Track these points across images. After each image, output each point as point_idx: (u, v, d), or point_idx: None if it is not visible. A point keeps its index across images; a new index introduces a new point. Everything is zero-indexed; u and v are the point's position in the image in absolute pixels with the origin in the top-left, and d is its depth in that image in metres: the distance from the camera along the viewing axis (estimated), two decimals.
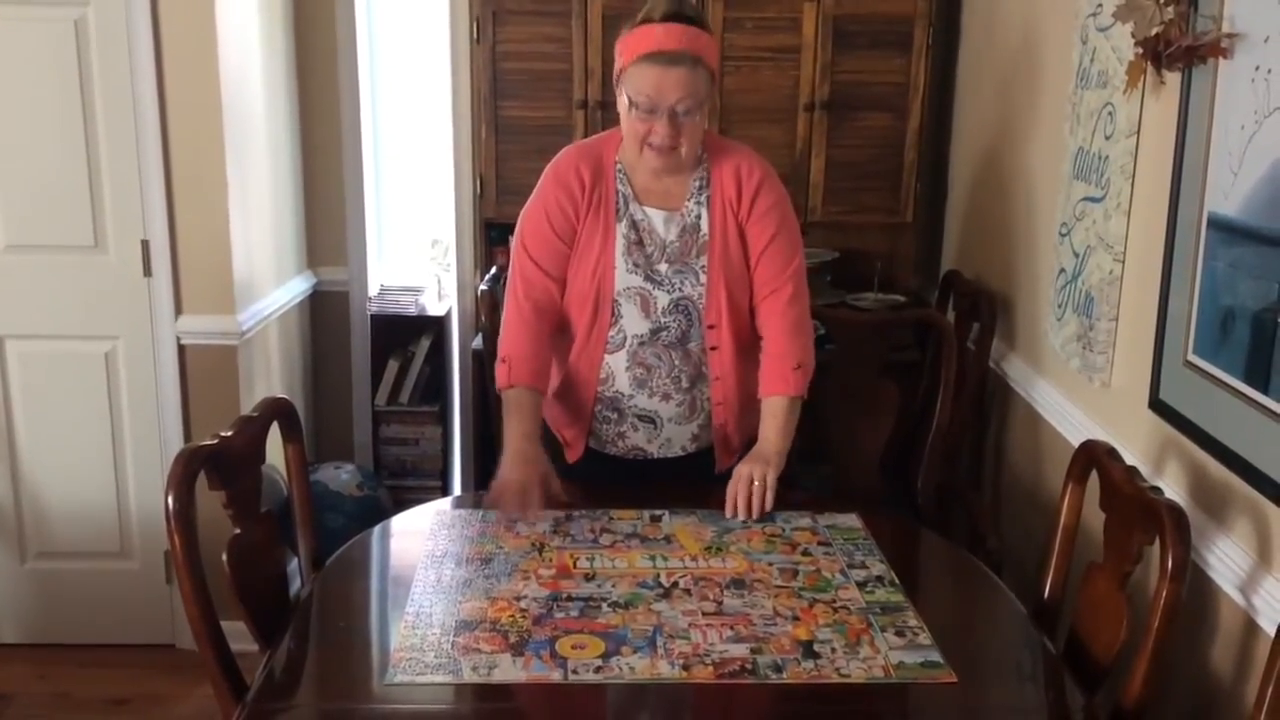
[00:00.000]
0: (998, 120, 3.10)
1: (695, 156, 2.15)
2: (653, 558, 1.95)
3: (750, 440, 2.21)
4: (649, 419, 2.25)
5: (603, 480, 2.27)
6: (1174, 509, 1.60)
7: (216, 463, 1.75)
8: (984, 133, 3.25)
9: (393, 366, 3.77)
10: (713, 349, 2.20)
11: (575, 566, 1.91)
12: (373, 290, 3.80)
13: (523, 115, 3.35)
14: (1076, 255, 2.38)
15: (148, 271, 2.93)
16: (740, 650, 1.67)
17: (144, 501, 3.04)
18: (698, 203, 2.17)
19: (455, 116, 3.59)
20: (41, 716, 2.88)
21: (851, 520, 2.11)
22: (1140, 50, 2.00)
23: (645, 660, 1.64)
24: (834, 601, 1.82)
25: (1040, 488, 2.60)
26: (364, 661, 1.68)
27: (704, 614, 1.77)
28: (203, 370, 3.00)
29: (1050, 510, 2.02)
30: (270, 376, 3.30)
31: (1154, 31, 1.93)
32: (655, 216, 2.17)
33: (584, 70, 3.31)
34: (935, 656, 1.66)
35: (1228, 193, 1.76)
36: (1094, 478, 1.86)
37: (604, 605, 1.79)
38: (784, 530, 2.05)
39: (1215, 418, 1.80)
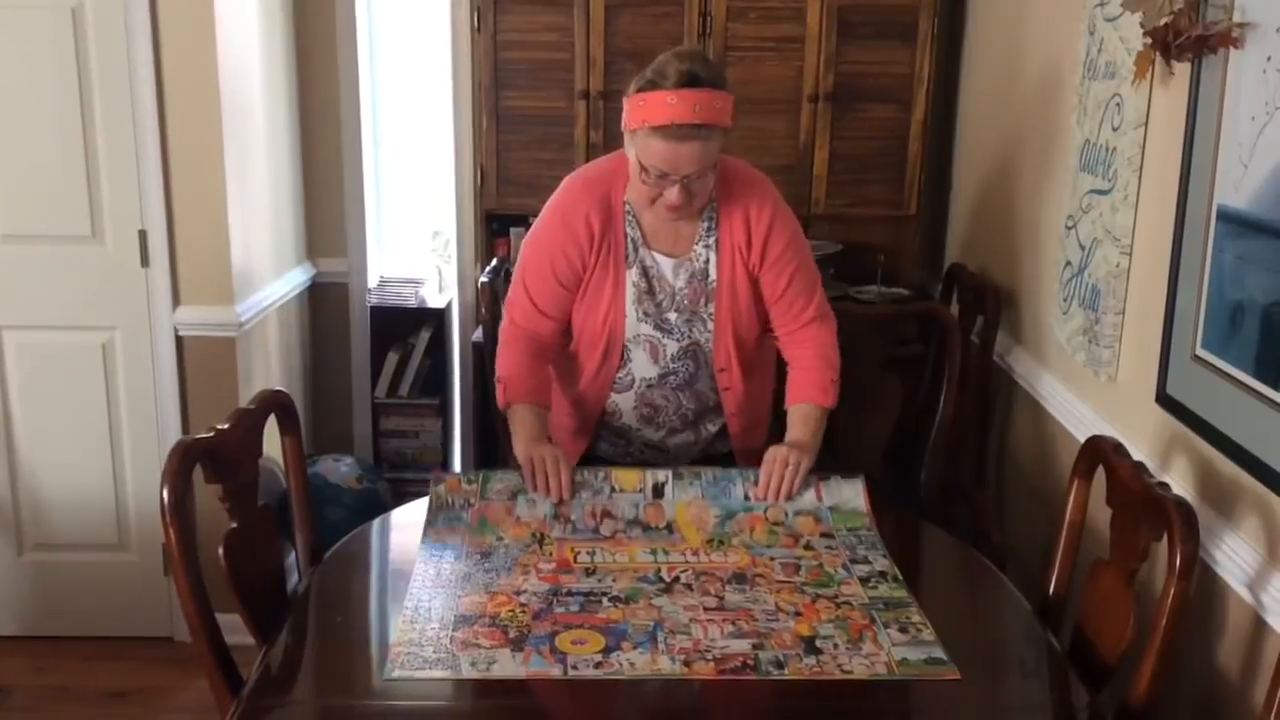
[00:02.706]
0: (1003, 112, 3.08)
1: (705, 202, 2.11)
2: (654, 552, 1.92)
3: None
4: (656, 447, 2.27)
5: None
6: (1182, 505, 1.58)
7: (213, 456, 1.73)
8: (989, 124, 3.22)
9: (392, 359, 3.75)
10: (725, 389, 2.22)
11: (575, 561, 1.89)
12: (372, 282, 3.78)
13: (524, 105, 3.32)
14: (1083, 248, 2.36)
15: (145, 262, 2.91)
16: (742, 645, 1.64)
17: (142, 493, 3.03)
18: (706, 246, 2.14)
19: (456, 107, 3.57)
20: (40, 709, 2.87)
21: (857, 496, 2.06)
22: (1149, 40, 1.97)
23: (645, 656, 1.61)
24: (836, 597, 1.80)
25: (1045, 483, 2.58)
26: (362, 656, 1.67)
27: (705, 609, 1.74)
28: (201, 362, 2.98)
29: (1055, 505, 2.00)
30: (269, 368, 3.28)
31: (1163, 21, 1.91)
32: (664, 264, 2.15)
33: (586, 60, 3.28)
34: (939, 653, 1.64)
35: (1238, 185, 1.73)
36: (1100, 473, 1.84)
37: (604, 600, 1.76)
38: (786, 517, 2.01)
39: (1224, 413, 1.77)
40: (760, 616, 1.72)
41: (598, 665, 1.59)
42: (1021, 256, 2.85)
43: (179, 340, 2.96)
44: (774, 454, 2.04)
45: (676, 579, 1.84)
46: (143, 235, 2.89)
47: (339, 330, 3.74)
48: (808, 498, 2.03)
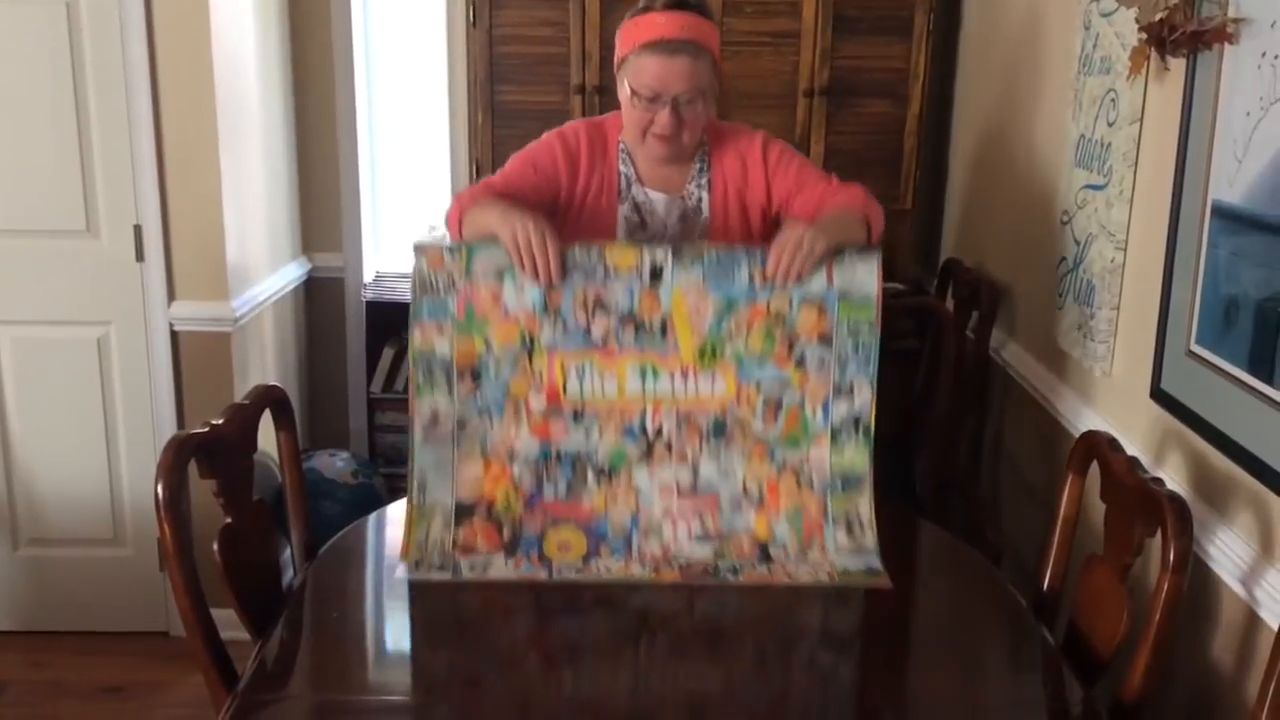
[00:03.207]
0: (999, 107, 3.08)
1: (697, 143, 2.13)
2: (643, 373, 1.88)
3: None
4: None
5: None
6: (1176, 500, 1.58)
7: (207, 451, 1.72)
8: (985, 119, 3.22)
9: (388, 354, 3.75)
10: None
11: (565, 393, 1.87)
12: (368, 277, 3.78)
13: (520, 100, 3.32)
14: (1078, 243, 2.36)
15: (140, 257, 2.90)
16: (705, 553, 1.83)
17: (137, 488, 3.03)
18: (698, 186, 2.16)
19: (451, 101, 3.57)
20: (35, 704, 2.87)
21: (870, 278, 1.91)
22: (1144, 36, 1.97)
23: (620, 563, 1.81)
24: (800, 469, 1.87)
25: (1040, 478, 2.59)
26: (357, 651, 1.67)
27: (679, 492, 1.85)
28: (196, 357, 2.97)
29: (1050, 500, 2.00)
30: (264, 363, 3.28)
31: (1158, 17, 1.91)
32: (657, 200, 2.16)
33: (581, 54, 3.28)
34: (875, 563, 1.82)
35: (1232, 180, 1.74)
36: (1095, 468, 1.84)
37: (589, 474, 1.85)
38: (791, 307, 1.89)
39: (1218, 408, 1.78)
40: (726, 508, 1.85)
41: (578, 572, 1.80)
42: (1017, 251, 2.85)
43: (174, 335, 2.95)
44: (788, 233, 1.90)
45: (660, 433, 1.86)
46: (137, 230, 2.89)
47: (334, 325, 3.74)
48: (817, 279, 1.90)
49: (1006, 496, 2.87)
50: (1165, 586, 1.56)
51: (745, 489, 1.87)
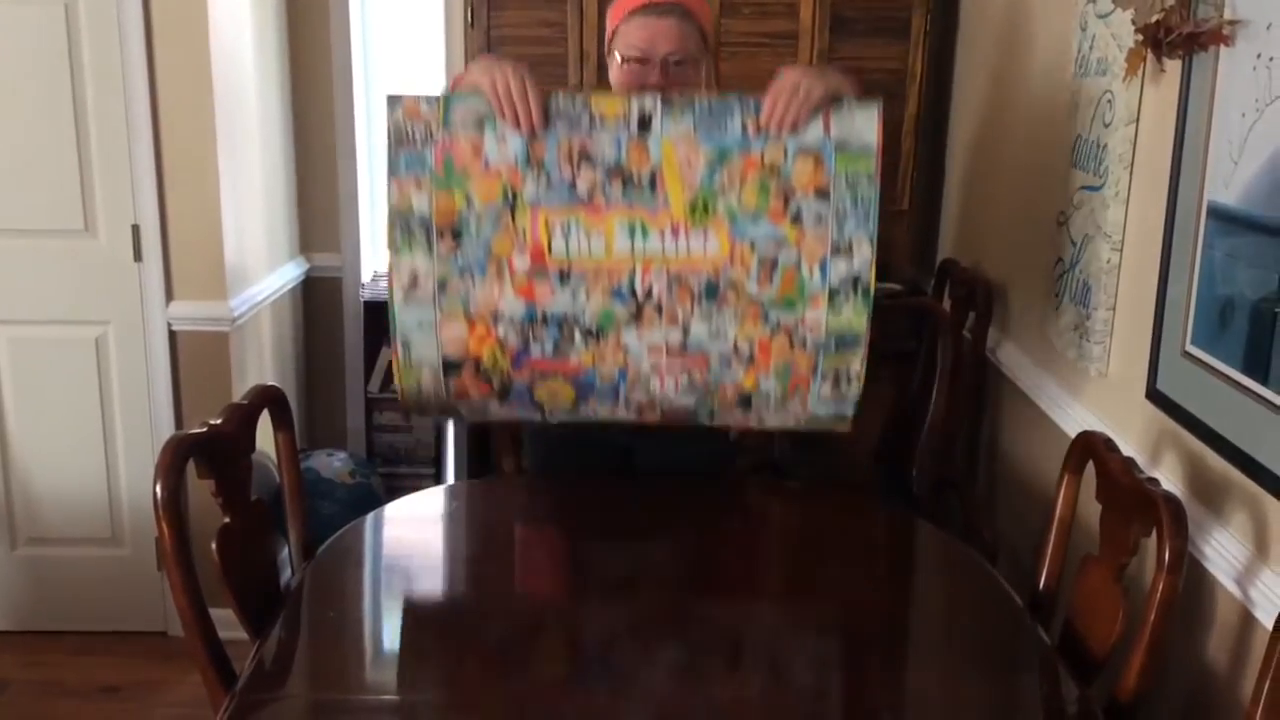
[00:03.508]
0: (995, 107, 3.08)
1: None
2: (631, 230, 1.80)
3: None
4: None
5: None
6: (1171, 501, 1.58)
7: (206, 451, 1.73)
8: (981, 120, 3.23)
9: (386, 353, 3.75)
10: None
11: (550, 252, 1.80)
12: (366, 276, 3.79)
13: None
14: (1074, 244, 2.37)
15: (138, 256, 2.91)
16: (688, 402, 1.87)
17: (135, 488, 3.03)
18: None
19: None
20: (33, 704, 2.87)
21: (869, 126, 1.84)
22: (1140, 37, 1.98)
23: (607, 409, 1.88)
24: (795, 329, 1.82)
25: (1036, 478, 2.59)
26: (355, 651, 1.67)
27: (668, 351, 1.81)
28: (194, 356, 2.98)
29: (1046, 500, 2.01)
30: (262, 363, 3.28)
31: (1154, 18, 1.91)
32: None
33: (579, 55, 3.28)
34: (846, 410, 1.88)
35: (1228, 181, 1.74)
36: (1090, 468, 1.85)
37: (576, 334, 1.81)
38: (786, 158, 1.80)
39: (1213, 409, 1.78)
40: (715, 364, 1.83)
41: (569, 413, 1.88)
42: (1013, 252, 2.85)
43: (172, 335, 2.96)
44: (784, 78, 1.83)
45: (650, 293, 1.81)
46: (135, 230, 2.89)
47: (332, 325, 3.74)
48: (814, 129, 1.81)
49: (1003, 496, 2.88)
50: (1160, 586, 1.57)
51: (736, 348, 1.83)
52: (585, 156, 1.79)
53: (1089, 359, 2.26)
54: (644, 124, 1.79)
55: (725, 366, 1.83)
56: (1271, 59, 1.63)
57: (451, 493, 2.40)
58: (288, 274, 3.49)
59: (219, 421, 1.80)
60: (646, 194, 1.79)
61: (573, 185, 1.79)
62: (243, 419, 1.87)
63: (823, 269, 1.81)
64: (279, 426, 2.01)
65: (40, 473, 3.03)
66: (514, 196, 1.79)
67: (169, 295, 2.93)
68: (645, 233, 1.80)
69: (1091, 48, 2.30)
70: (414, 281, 1.81)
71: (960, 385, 2.89)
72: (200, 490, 1.78)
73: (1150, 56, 1.97)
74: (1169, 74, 1.97)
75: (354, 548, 2.02)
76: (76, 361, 2.97)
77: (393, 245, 1.82)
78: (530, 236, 1.80)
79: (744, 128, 1.80)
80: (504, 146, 1.79)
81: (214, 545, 1.71)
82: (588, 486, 2.18)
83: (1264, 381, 1.63)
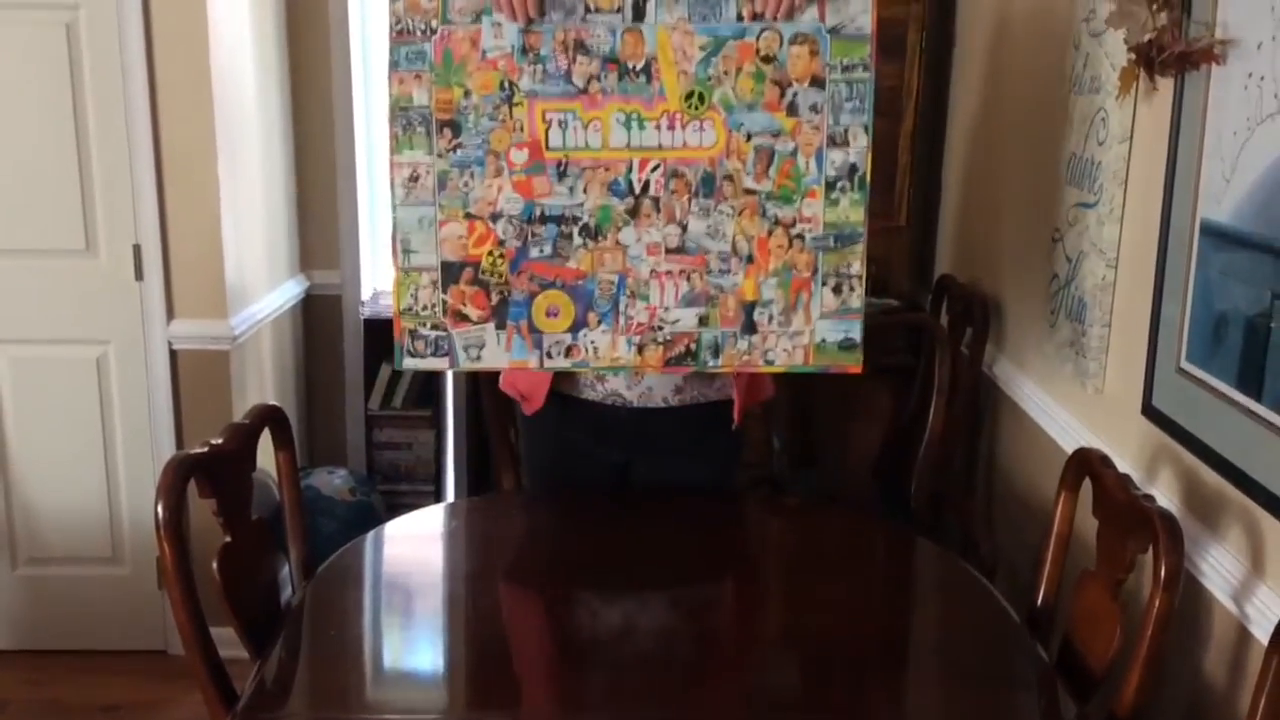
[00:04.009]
0: (991, 125, 3.10)
1: None
2: (628, 122, 1.83)
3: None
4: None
5: (578, 431, 2.20)
6: (1167, 517, 1.59)
7: (207, 470, 1.74)
8: (978, 137, 3.25)
9: (385, 370, 3.76)
10: None
11: (548, 146, 1.84)
12: (366, 294, 3.79)
13: None
14: (1069, 261, 2.38)
15: (139, 276, 2.92)
16: (690, 320, 1.86)
17: (135, 507, 3.04)
18: None
19: None
20: None
21: (864, 12, 1.84)
22: (1133, 56, 1.99)
23: (607, 338, 1.86)
24: (792, 225, 1.85)
25: (1033, 493, 2.60)
26: (356, 670, 1.68)
27: (667, 251, 1.85)
28: (195, 375, 2.99)
29: (1043, 515, 2.02)
30: (263, 381, 3.29)
31: (1147, 38, 1.93)
32: None
33: None
34: (855, 333, 1.88)
35: (1220, 199, 1.76)
36: (1087, 485, 1.86)
37: (575, 234, 1.85)
38: (781, 45, 1.82)
39: (1208, 425, 1.79)
40: (715, 266, 1.85)
41: (568, 351, 1.87)
42: (1010, 268, 2.87)
43: (173, 354, 2.97)
44: None
45: (646, 187, 1.84)
46: (137, 249, 2.90)
47: (332, 342, 3.75)
48: (809, 15, 1.83)
49: (1001, 511, 2.89)
50: (1157, 603, 1.57)
51: (734, 247, 1.85)
52: (581, 46, 1.82)
53: (1085, 375, 2.27)
54: (638, 11, 1.82)
55: (725, 269, 1.85)
56: (1262, 78, 1.64)
57: (451, 511, 2.41)
58: (288, 292, 3.50)
59: (220, 441, 1.81)
60: (642, 84, 1.83)
61: (569, 76, 1.83)
62: (243, 438, 1.88)
63: (819, 160, 1.84)
64: (279, 445, 2.02)
65: (41, 492, 3.04)
66: (511, 88, 1.83)
67: (170, 314, 2.95)
68: (641, 124, 1.83)
69: (1085, 66, 2.32)
70: (414, 177, 1.85)
71: (958, 401, 2.90)
72: (201, 508, 1.78)
73: (1143, 75, 1.99)
74: (1161, 92, 1.98)
75: (354, 566, 2.03)
76: (77, 380, 2.98)
77: (393, 141, 1.87)
78: (528, 129, 1.83)
79: (739, 14, 1.82)
80: (500, 37, 1.82)
81: (215, 565, 1.72)
82: (586, 504, 2.18)
83: (1257, 398, 1.64)
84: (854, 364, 1.89)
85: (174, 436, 3.00)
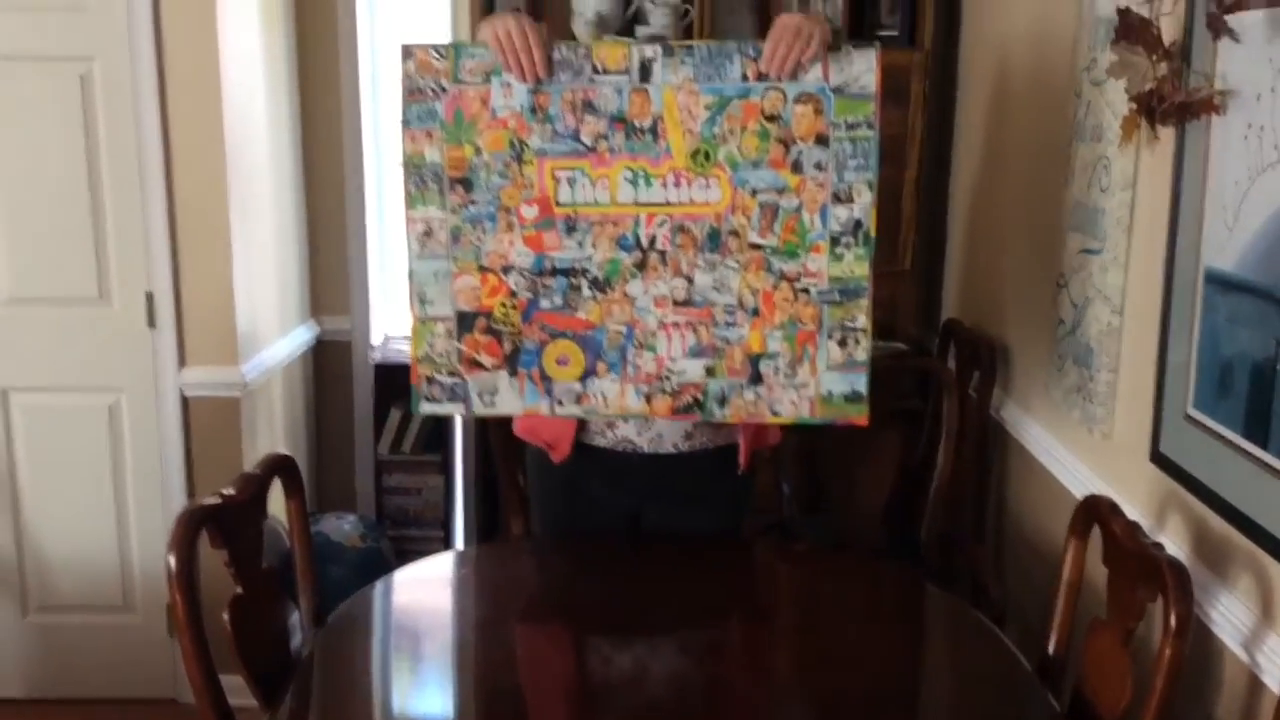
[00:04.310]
0: (994, 170, 3.12)
1: None
2: (635, 179, 1.87)
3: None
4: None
5: (590, 477, 2.20)
6: (1176, 566, 1.59)
7: (218, 521, 1.75)
8: (980, 183, 3.27)
9: (395, 415, 3.77)
10: None
11: (558, 202, 1.88)
12: (376, 339, 3.82)
13: None
14: (1075, 306, 2.39)
15: (152, 323, 2.94)
16: (697, 371, 1.89)
17: (147, 554, 3.04)
18: None
19: None
20: None
21: (868, 72, 1.86)
22: (1134, 105, 2.01)
23: (616, 385, 1.90)
24: (797, 280, 1.87)
25: (1042, 538, 2.60)
26: None
27: (674, 304, 1.88)
28: (206, 422, 3.00)
29: (1053, 561, 2.01)
30: (273, 427, 3.31)
31: (1147, 87, 1.95)
32: None
33: None
34: (861, 386, 1.89)
35: (1224, 247, 1.77)
36: (1097, 530, 1.86)
37: (584, 286, 1.89)
38: (785, 104, 1.85)
39: (1216, 472, 1.79)
40: (721, 320, 1.88)
41: (578, 399, 1.91)
42: (1016, 313, 2.88)
43: (184, 401, 2.98)
44: (784, 21, 1.85)
45: (653, 242, 1.87)
46: (149, 297, 2.93)
47: (342, 388, 3.76)
48: (813, 75, 1.86)
49: (1010, 555, 2.88)
50: (1167, 652, 1.57)
51: (740, 301, 1.88)
52: (589, 106, 1.86)
53: (1092, 421, 2.27)
54: (645, 72, 1.85)
55: (730, 322, 1.88)
56: (1263, 128, 1.66)
57: (460, 559, 2.41)
58: (299, 338, 3.53)
59: (231, 491, 1.82)
60: (649, 142, 1.86)
61: (577, 135, 1.87)
62: (254, 488, 1.89)
63: (823, 216, 1.87)
64: (290, 494, 2.03)
65: (52, 539, 3.04)
66: (521, 146, 1.88)
67: (181, 361, 2.97)
68: (649, 182, 1.87)
69: (1087, 114, 2.34)
70: (428, 232, 1.91)
71: (966, 446, 2.90)
72: (212, 556, 1.79)
73: (1144, 124, 2.01)
74: (1163, 141, 2.00)
75: (363, 615, 2.03)
76: (90, 428, 2.99)
77: (408, 197, 1.92)
78: (538, 186, 1.88)
79: (744, 74, 1.85)
80: (510, 97, 1.87)
81: (226, 616, 1.72)
82: (595, 550, 2.19)
83: (1264, 445, 1.65)
84: (859, 416, 1.92)
85: (185, 483, 3.01)
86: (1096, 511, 1.86)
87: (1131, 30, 1.93)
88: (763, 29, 3.42)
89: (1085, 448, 2.37)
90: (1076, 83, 2.40)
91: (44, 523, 3.04)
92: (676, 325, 1.88)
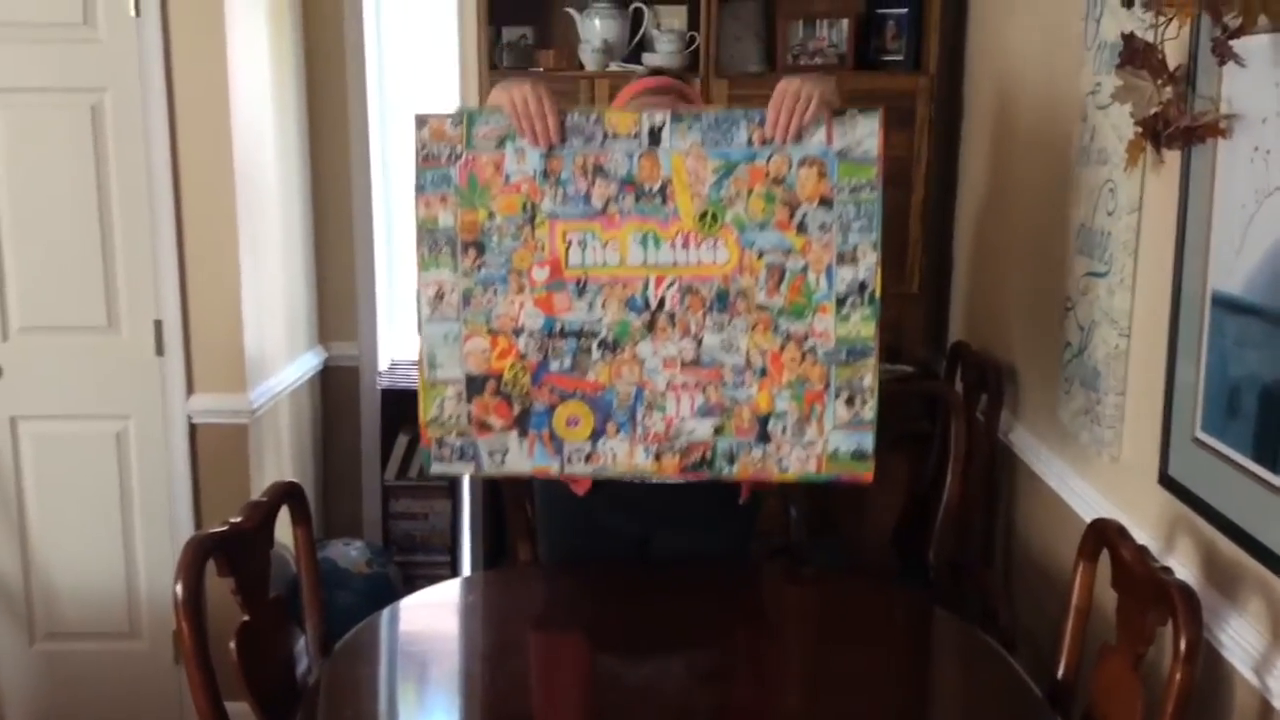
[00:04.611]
0: (1000, 193, 3.13)
1: None
2: (644, 241, 1.89)
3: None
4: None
5: (601, 505, 2.19)
6: (1185, 590, 1.59)
7: (225, 549, 1.75)
8: (987, 206, 3.28)
9: (402, 441, 3.77)
10: None
11: (568, 264, 1.90)
12: (384, 365, 3.82)
13: None
14: (1082, 329, 2.39)
15: (160, 351, 2.95)
16: (705, 430, 1.91)
17: (154, 582, 3.04)
18: None
19: None
20: None
21: (871, 136, 1.90)
22: (1139, 129, 2.02)
23: (625, 445, 1.92)
24: (804, 340, 1.89)
25: (1052, 562, 2.59)
26: None
27: (683, 364, 1.90)
28: (214, 449, 3.00)
29: (1062, 585, 2.00)
30: (280, 453, 3.31)
31: (1152, 111, 1.95)
32: None
33: None
34: (868, 444, 1.90)
35: (1231, 271, 1.77)
36: (1106, 553, 1.85)
37: (594, 348, 1.90)
38: (790, 168, 1.89)
39: (1225, 495, 1.79)
40: (730, 379, 1.90)
41: (588, 458, 1.92)
42: (1023, 336, 2.88)
43: (192, 428, 2.99)
44: (784, 86, 1.89)
45: (662, 303, 1.90)
46: (158, 325, 2.94)
47: (349, 413, 3.77)
48: (817, 139, 1.89)
49: (1020, 579, 2.87)
50: (1178, 677, 1.56)
51: (749, 361, 1.90)
52: (599, 170, 1.90)
53: (1101, 444, 2.27)
54: (654, 138, 1.90)
55: (739, 383, 1.90)
56: (1269, 151, 1.66)
57: (467, 586, 2.41)
58: (306, 364, 3.53)
59: (238, 519, 1.82)
60: (658, 205, 1.90)
61: (588, 198, 1.90)
62: (262, 516, 1.89)
63: (829, 276, 1.90)
64: (297, 522, 2.03)
65: (60, 567, 3.04)
66: (533, 210, 1.91)
67: (190, 389, 2.97)
68: (657, 243, 1.90)
69: (1092, 138, 2.34)
70: (440, 295, 1.93)
71: (974, 468, 2.89)
72: (219, 583, 1.79)
73: (1150, 148, 2.01)
74: (1169, 165, 2.00)
75: (370, 644, 2.02)
76: (98, 455, 3.00)
77: (420, 260, 1.94)
78: (549, 248, 1.91)
79: (749, 139, 1.89)
80: (523, 162, 1.91)
81: (233, 645, 1.72)
82: (603, 576, 2.18)
83: (1273, 469, 1.64)
84: (865, 473, 1.93)
85: (193, 510, 3.01)
86: (1104, 535, 1.85)
87: (1136, 55, 1.93)
88: (768, 57, 3.48)
89: (1094, 471, 2.36)
90: (1081, 106, 2.41)
91: (51, 550, 3.04)
92: (685, 386, 1.91)
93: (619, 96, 2.22)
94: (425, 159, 1.93)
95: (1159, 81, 1.92)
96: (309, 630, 2.04)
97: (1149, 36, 1.91)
